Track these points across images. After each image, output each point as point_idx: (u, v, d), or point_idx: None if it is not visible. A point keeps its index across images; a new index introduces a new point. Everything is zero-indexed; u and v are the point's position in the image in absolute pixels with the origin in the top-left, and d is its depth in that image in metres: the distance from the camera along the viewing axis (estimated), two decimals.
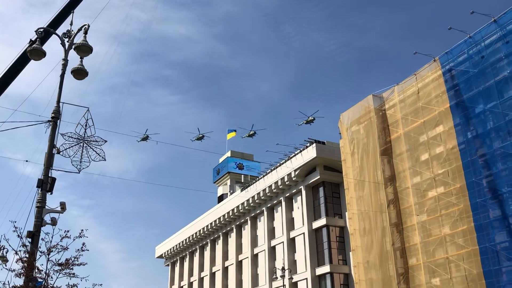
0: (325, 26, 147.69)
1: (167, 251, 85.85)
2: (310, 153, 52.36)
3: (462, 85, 36.98)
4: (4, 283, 12.73)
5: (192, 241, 78.35)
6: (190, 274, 79.55)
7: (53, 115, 14.65)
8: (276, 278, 47.58)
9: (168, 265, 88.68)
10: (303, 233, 53.69)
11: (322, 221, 51.77)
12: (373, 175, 43.30)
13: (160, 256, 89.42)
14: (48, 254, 13.07)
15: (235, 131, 75.78)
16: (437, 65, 39.22)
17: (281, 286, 47.48)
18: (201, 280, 75.54)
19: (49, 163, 14.06)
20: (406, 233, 40.15)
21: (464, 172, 35.36)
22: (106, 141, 14.98)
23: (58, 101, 14.90)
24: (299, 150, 54.42)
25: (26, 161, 16.81)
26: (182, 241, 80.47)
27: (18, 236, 13.05)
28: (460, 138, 36.29)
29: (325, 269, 50.39)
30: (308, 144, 53.14)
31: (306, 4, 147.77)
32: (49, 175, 13.90)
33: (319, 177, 52.52)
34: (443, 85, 38.33)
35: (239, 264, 65.69)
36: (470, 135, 35.94)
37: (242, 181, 71.38)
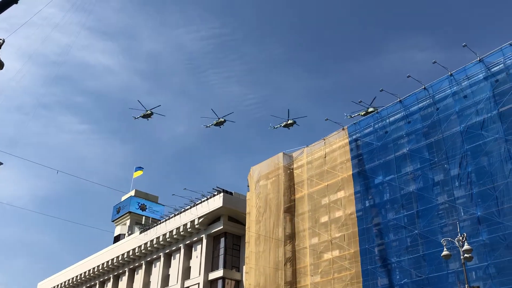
0: (245, 80, 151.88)
1: None
2: (216, 202, 52.04)
3: (366, 156, 39.22)
4: None
5: (79, 280, 73.27)
6: None
7: None
8: None
9: None
10: (198, 283, 52.30)
11: (219, 273, 50.91)
12: (274, 232, 43.78)
13: None
14: None
15: (142, 169, 73.78)
16: (345, 134, 41.45)
17: None
18: None
19: None
20: None
21: (359, 238, 36.86)
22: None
23: None
24: (205, 198, 53.92)
25: None
26: (69, 280, 74.99)
27: None
28: (358, 205, 38.04)
29: None
30: (215, 193, 52.90)
31: (230, 56, 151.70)
32: None
33: (222, 227, 52.07)
34: (349, 153, 40.42)
35: None
36: (368, 203, 37.82)
37: (143, 222, 68.94)
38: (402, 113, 37.73)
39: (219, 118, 61.30)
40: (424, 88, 36.46)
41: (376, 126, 39.49)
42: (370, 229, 36.67)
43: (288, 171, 46.01)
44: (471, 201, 31.08)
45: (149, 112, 62.00)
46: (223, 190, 52.66)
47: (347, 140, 41.19)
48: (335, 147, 42.19)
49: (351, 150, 40.57)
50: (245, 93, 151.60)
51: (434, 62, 35.21)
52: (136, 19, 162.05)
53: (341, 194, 40.09)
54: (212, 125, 61.92)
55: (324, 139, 43.56)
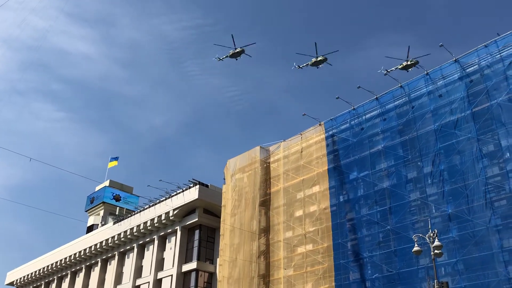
0: (226, 72, 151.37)
1: (20, 278, 78.09)
2: (192, 194, 51.85)
3: (341, 151, 39.61)
4: None
5: (50, 270, 72.22)
6: None
7: None
8: None
9: None
10: (171, 275, 52.16)
11: (192, 265, 50.83)
12: (249, 225, 43.91)
13: (11, 284, 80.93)
14: None
15: (117, 159, 72.88)
16: (321, 129, 41.74)
17: None
18: None
19: None
20: (272, 285, 40.79)
21: (333, 233, 37.28)
22: None
23: None
24: (181, 190, 53.66)
25: None
26: (39, 269, 73.86)
27: None
28: (333, 200, 38.44)
29: None
30: (191, 185, 52.69)
31: (212, 48, 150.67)
32: None
33: (197, 219, 51.93)
34: (325, 148, 40.74)
35: None
36: (342, 198, 38.25)
37: (117, 213, 68.29)
38: (378, 110, 38.18)
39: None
40: (401, 86, 36.96)
41: (353, 122, 39.88)
42: (344, 224, 37.11)
43: (265, 165, 46.14)
44: (442, 199, 31.72)
45: (239, 49, 51.67)
46: (199, 182, 52.49)
47: (323, 136, 41.49)
48: (312, 142, 42.46)
49: (327, 145, 40.89)
50: (225, 85, 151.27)
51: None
52: (116, 6, 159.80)
53: (316, 188, 40.42)
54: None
55: (301, 134, 43.80)
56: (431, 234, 25.59)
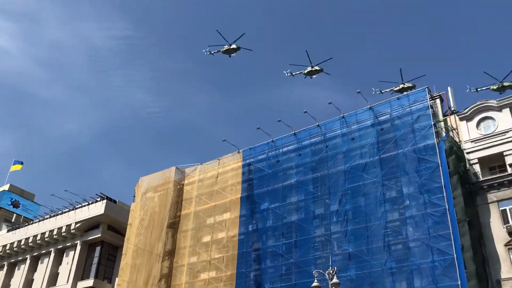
0: (150, 87, 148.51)
1: None
2: (98, 208, 49.76)
3: (256, 181, 40.13)
4: None
5: None
6: None
7: None
8: None
9: None
10: None
11: (89, 282, 48.27)
12: (154, 246, 42.78)
13: None
14: None
15: (22, 163, 68.35)
16: (239, 157, 42.15)
17: None
18: None
19: None
20: None
21: (238, 261, 37.30)
22: None
23: None
24: (87, 203, 51.33)
25: None
26: None
27: None
28: (242, 228, 38.62)
29: None
30: (98, 199, 50.61)
31: (138, 60, 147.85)
32: None
33: (100, 235, 49.74)
34: (240, 176, 41.07)
35: None
36: (251, 228, 38.55)
37: (13, 221, 63.60)
38: (294, 145, 39.34)
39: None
40: (318, 125, 38.46)
41: (270, 154, 40.70)
42: (249, 254, 37.31)
43: (178, 187, 45.53)
44: (345, 237, 32.96)
45: (234, 46, 47.15)
46: (107, 197, 50.58)
47: (240, 164, 41.88)
48: (228, 168, 42.66)
49: (243, 173, 41.28)
50: (148, 100, 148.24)
51: (330, 103, 37.38)
52: (43, 3, 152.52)
53: (227, 215, 40.44)
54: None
55: (219, 160, 43.90)
56: (331, 271, 26.38)
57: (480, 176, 31.49)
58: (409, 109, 34.64)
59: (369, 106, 36.50)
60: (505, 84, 39.86)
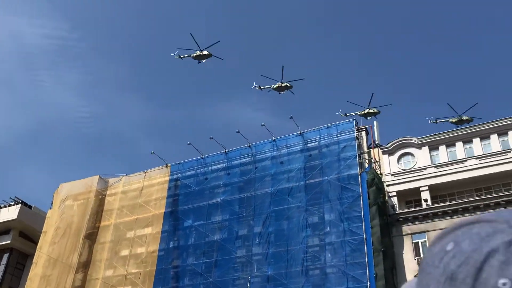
0: (82, 91, 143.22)
1: None
2: (10, 213, 46.81)
3: (182, 197, 39.58)
4: None
5: None
6: None
7: None
8: None
9: None
10: None
11: None
12: (68, 257, 40.75)
13: None
14: None
15: None
16: (167, 171, 41.47)
17: None
18: None
19: None
20: None
21: (155, 278, 36.35)
22: None
23: None
24: None
25: None
26: None
27: None
28: (162, 244, 37.77)
29: None
30: (12, 203, 47.65)
31: (71, 62, 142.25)
32: None
33: (10, 241, 46.68)
34: (166, 191, 40.36)
35: None
36: (172, 244, 37.81)
37: None
38: (224, 164, 39.35)
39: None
40: (249, 146, 38.78)
41: (199, 170, 40.39)
42: (168, 271, 36.50)
43: (100, 197, 43.91)
44: (265, 260, 33.16)
45: (206, 53, 45.07)
46: (22, 201, 47.77)
47: (167, 178, 41.20)
48: (155, 182, 41.80)
49: (169, 188, 40.61)
50: (78, 105, 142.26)
51: (263, 125, 37.91)
52: None
53: (148, 230, 39.45)
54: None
55: (145, 172, 42.94)
56: None
57: (397, 208, 33.00)
58: (336, 138, 35.87)
59: (299, 132, 37.37)
60: (464, 118, 40.39)
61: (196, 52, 46.41)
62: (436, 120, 41.41)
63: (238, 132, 38.49)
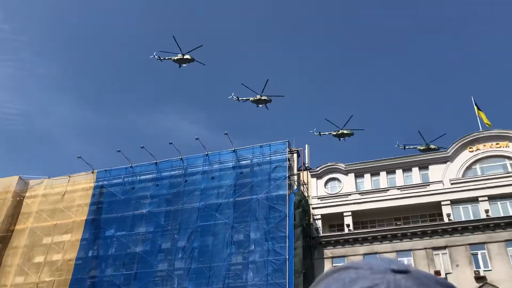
0: (12, 86, 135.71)
1: None
2: None
3: (106, 206, 38.31)
4: None
5: None
6: None
7: None
8: None
9: None
10: None
11: None
12: None
13: None
14: None
15: None
16: (92, 177, 40.06)
17: None
18: None
19: None
20: None
21: (70, 287, 34.74)
22: None
23: None
24: None
25: None
26: None
27: None
28: (81, 253, 36.25)
29: None
30: None
31: (3, 55, 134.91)
32: None
33: None
34: (90, 197, 38.94)
35: None
36: (91, 253, 36.39)
37: None
38: (153, 175, 38.62)
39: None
40: (181, 159, 38.37)
41: (126, 179, 39.37)
42: (84, 280, 35.00)
43: (18, 198, 41.56)
44: (187, 275, 32.68)
45: (188, 57, 43.72)
46: None
47: (93, 185, 39.80)
48: (79, 187, 40.22)
49: (93, 195, 39.21)
50: (7, 100, 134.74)
51: (197, 139, 37.72)
52: None
53: (67, 237, 37.75)
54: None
55: (70, 176, 41.25)
56: None
57: (321, 231, 33.81)
58: (269, 158, 36.35)
59: (233, 149, 37.51)
60: (431, 146, 41.20)
61: (178, 55, 45.50)
62: (404, 146, 42.43)
63: (171, 143, 38.07)
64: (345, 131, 44.61)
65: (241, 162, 37.12)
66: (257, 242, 32.72)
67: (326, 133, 44.84)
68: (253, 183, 35.27)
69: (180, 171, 38.08)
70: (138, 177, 38.85)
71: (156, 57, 46.24)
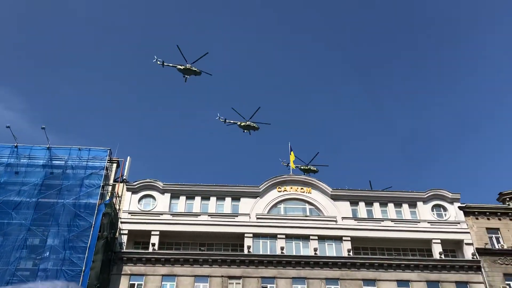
0: None
1: None
2: None
3: None
4: None
5: None
6: None
7: None
8: None
9: None
10: None
11: None
12: None
13: None
14: None
15: None
16: None
17: None
18: None
19: None
20: None
21: None
22: None
23: None
24: None
25: None
26: None
27: None
28: None
29: None
30: None
31: None
32: None
33: None
34: None
35: None
36: None
37: None
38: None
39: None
40: None
41: None
42: None
43: None
44: None
45: (196, 70, 45.41)
46: None
47: None
48: None
49: None
50: None
51: (8, 127, 34.19)
52: None
53: None
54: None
55: None
56: None
57: (124, 247, 33.02)
58: (85, 163, 34.49)
59: (48, 146, 34.79)
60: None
61: (185, 65, 46.56)
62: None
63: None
64: (311, 168, 47.84)
65: (53, 162, 34.49)
66: (54, 249, 30.45)
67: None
68: (63, 186, 32.97)
69: None
70: None
71: (157, 61, 46.70)
